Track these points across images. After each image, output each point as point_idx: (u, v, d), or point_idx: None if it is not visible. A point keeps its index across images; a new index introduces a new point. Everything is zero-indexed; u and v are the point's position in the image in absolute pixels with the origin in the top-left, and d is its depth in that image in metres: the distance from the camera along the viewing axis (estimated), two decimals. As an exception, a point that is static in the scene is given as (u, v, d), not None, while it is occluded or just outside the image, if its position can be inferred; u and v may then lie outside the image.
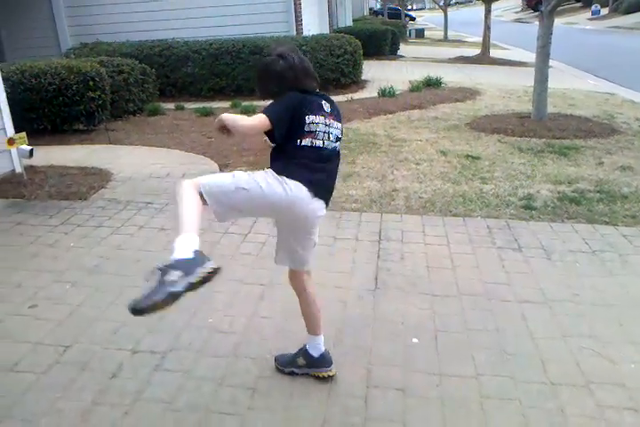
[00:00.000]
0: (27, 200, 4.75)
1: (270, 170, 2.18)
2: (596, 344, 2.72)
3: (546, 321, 2.93)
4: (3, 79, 5.39)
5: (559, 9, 7.72)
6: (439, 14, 35.77)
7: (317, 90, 2.37)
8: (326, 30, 14.45)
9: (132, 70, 8.23)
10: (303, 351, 2.49)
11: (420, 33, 29.29)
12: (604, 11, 36.12)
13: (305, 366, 2.49)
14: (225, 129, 2.16)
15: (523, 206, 4.51)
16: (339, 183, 5.07)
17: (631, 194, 4.75)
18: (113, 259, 3.69)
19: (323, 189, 2.25)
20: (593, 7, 36.95)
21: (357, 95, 9.69)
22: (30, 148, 5.08)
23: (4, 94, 5.29)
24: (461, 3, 61.40)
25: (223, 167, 5.58)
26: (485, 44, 17.85)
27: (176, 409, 2.31)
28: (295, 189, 2.14)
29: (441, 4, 30.27)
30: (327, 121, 2.26)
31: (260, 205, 2.18)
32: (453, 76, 11.92)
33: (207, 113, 8.21)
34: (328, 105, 2.31)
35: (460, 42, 25.86)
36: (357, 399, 2.36)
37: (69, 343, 2.75)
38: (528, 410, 2.29)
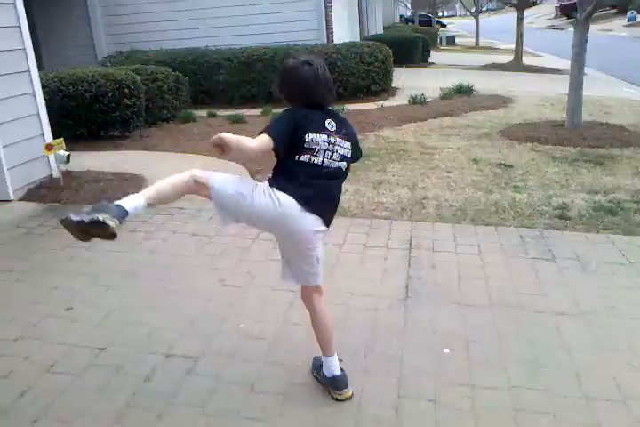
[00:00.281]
0: (63, 205, 4.86)
1: (266, 182, 2.22)
2: (633, 358, 2.65)
3: (581, 334, 2.87)
4: (42, 86, 5.53)
5: (594, 16, 7.60)
6: (470, 21, 35.64)
7: (331, 106, 2.37)
8: (357, 38, 14.50)
9: (166, 78, 8.36)
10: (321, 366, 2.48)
11: (451, 40, 29.22)
12: (640, 17, 35.55)
13: (323, 380, 2.47)
14: (220, 147, 2.04)
15: (557, 216, 4.43)
16: (369, 191, 5.12)
17: (670, 204, 4.64)
18: (146, 263, 3.75)
19: (316, 204, 2.21)
20: (629, 13, 36.35)
21: (388, 103, 9.68)
22: (67, 153, 5.20)
23: (43, 101, 5.43)
24: (493, 9, 60.91)
25: (254, 174, 5.63)
26: (518, 51, 17.70)
27: (208, 414, 2.33)
28: (284, 202, 2.14)
29: (472, 11, 30.16)
30: (331, 139, 2.23)
31: (250, 213, 2.18)
32: (485, 84, 11.81)
33: (239, 120, 8.29)
34: (334, 123, 2.28)
35: (491, 49, 25.70)
36: (388, 409, 2.34)
37: (104, 346, 2.80)
38: (562, 424, 2.25)
